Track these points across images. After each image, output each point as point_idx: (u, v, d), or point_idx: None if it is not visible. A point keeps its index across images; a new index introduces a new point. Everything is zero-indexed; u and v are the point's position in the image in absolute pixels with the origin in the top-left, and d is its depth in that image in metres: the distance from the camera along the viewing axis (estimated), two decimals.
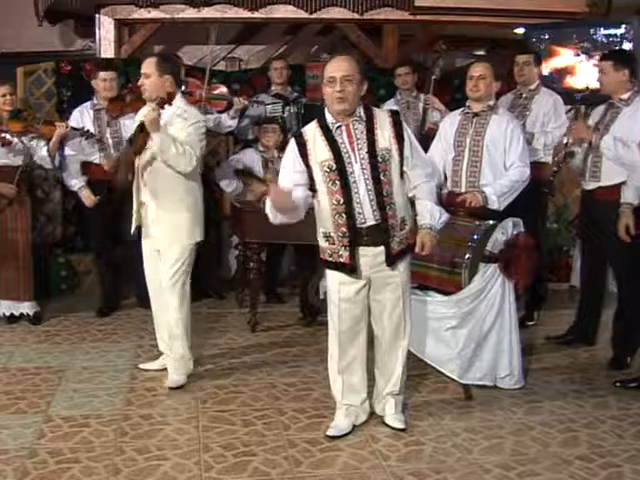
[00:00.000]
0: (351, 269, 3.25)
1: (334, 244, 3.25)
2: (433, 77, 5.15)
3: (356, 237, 3.21)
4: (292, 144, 3.28)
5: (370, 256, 3.25)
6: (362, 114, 3.21)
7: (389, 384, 3.49)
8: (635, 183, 4.03)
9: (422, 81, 5.48)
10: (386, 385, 3.50)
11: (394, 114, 3.28)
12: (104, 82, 5.10)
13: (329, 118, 3.22)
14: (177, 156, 3.73)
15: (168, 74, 3.85)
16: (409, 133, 3.28)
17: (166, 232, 3.91)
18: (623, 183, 4.13)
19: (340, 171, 3.17)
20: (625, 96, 4.20)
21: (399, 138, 3.20)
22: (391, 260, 3.26)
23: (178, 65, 4.09)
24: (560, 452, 3.28)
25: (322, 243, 3.32)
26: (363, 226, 3.20)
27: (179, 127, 3.81)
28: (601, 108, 4.36)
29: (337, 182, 3.17)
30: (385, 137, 3.20)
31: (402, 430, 3.44)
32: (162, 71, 3.83)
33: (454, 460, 3.20)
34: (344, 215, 3.19)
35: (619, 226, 4.05)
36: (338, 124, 3.21)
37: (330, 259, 3.30)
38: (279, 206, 3.16)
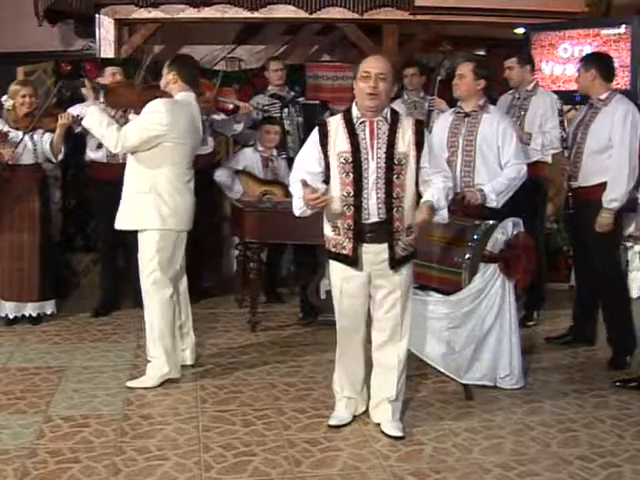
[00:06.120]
0: (352, 262, 3.28)
1: (339, 235, 3.29)
2: (438, 78, 5.16)
3: (360, 232, 3.24)
4: (314, 133, 3.31)
5: (372, 253, 3.27)
6: (388, 116, 3.25)
7: (385, 388, 3.42)
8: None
9: (428, 82, 5.48)
10: (382, 390, 3.44)
11: (419, 122, 3.33)
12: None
13: (355, 112, 3.26)
14: (102, 136, 3.86)
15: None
16: (430, 142, 3.33)
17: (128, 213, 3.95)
18: (601, 185, 4.13)
19: (355, 164, 3.21)
20: (603, 96, 4.22)
21: (418, 145, 3.24)
22: (394, 263, 3.27)
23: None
24: (560, 452, 3.28)
25: (328, 232, 3.35)
26: (367, 222, 3.23)
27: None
28: (584, 108, 4.40)
29: (350, 174, 3.22)
30: (405, 142, 3.23)
31: (400, 438, 3.36)
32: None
33: (454, 460, 3.20)
34: (352, 208, 3.23)
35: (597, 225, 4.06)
36: (363, 119, 3.24)
37: (333, 249, 3.33)
38: (312, 206, 3.15)
